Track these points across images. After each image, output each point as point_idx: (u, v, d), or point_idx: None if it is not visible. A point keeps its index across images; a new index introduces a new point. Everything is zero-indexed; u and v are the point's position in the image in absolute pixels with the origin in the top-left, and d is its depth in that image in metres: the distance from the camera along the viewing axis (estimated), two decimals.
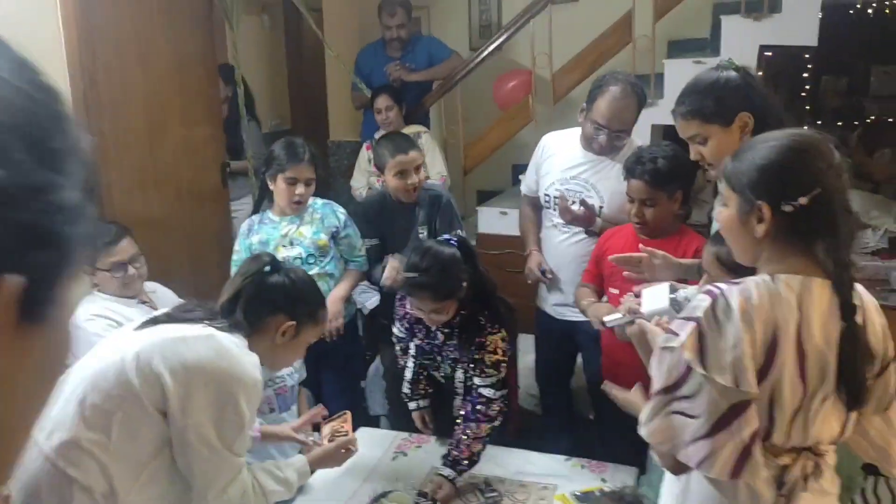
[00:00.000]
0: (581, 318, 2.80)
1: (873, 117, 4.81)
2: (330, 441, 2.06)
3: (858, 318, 1.34)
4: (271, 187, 2.82)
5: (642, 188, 2.39)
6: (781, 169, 1.34)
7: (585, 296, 2.62)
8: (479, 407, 2.31)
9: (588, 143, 2.77)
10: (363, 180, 3.99)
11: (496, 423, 2.32)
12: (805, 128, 1.44)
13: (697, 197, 4.16)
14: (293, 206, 2.80)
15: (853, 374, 1.33)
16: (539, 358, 3.15)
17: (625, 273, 2.18)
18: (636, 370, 2.07)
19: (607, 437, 2.86)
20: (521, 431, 2.90)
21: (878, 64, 5.09)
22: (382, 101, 3.99)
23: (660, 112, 3.92)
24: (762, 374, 1.30)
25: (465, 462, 2.27)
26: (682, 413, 1.34)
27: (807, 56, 4.72)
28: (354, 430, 2.27)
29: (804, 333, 1.30)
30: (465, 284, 2.25)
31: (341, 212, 2.93)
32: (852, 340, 1.31)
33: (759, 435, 1.32)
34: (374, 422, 3.30)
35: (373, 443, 2.57)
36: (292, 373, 2.36)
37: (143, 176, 3.27)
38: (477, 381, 2.34)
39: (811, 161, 1.33)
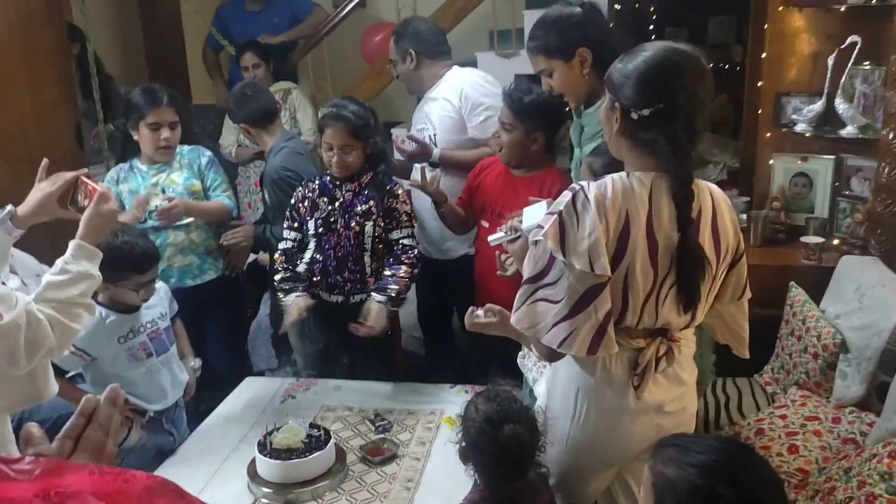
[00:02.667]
0: (441, 257, 2.94)
1: (711, 64, 5.19)
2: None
3: (707, 217, 1.49)
4: (135, 137, 2.75)
5: (505, 112, 2.54)
6: (638, 79, 1.45)
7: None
8: (400, 255, 2.55)
9: None
10: (232, 138, 3.92)
11: (414, 270, 2.56)
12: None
13: (560, 145, 4.39)
14: (161, 152, 2.75)
15: (686, 282, 1.48)
16: (419, 299, 3.26)
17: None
18: (508, 294, 2.21)
19: (485, 366, 3.02)
20: (406, 371, 3.00)
21: (714, 14, 5.51)
22: (249, 59, 3.93)
23: (521, 62, 4.10)
24: (616, 260, 1.44)
25: (394, 292, 2.47)
26: (545, 300, 1.47)
27: (651, 9, 5.03)
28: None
29: (654, 224, 1.45)
30: (373, 140, 2.51)
31: (206, 154, 2.92)
32: (686, 251, 1.46)
33: (613, 314, 1.47)
34: None
35: (260, 390, 2.59)
36: (162, 315, 2.35)
37: None
38: (395, 234, 2.57)
39: (666, 78, 1.43)
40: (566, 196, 1.47)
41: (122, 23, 4.67)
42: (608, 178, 1.47)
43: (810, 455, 2.11)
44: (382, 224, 2.53)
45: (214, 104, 4.61)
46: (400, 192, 2.59)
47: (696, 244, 1.46)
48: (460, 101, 2.91)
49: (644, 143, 1.47)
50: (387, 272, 2.52)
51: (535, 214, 1.91)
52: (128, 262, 2.18)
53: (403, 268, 2.52)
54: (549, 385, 1.67)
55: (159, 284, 2.42)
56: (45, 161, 1.84)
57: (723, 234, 1.54)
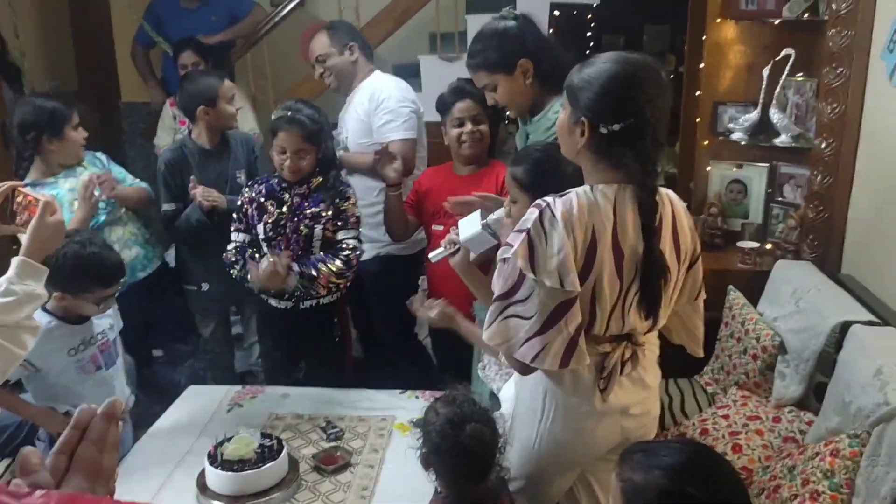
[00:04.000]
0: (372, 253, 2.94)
1: None
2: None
3: (668, 223, 1.53)
4: (52, 148, 2.75)
5: (471, 105, 2.56)
6: (604, 94, 1.45)
7: None
8: (339, 251, 2.50)
9: None
10: (168, 138, 3.79)
11: (348, 270, 2.50)
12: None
13: (502, 149, 4.43)
14: (82, 150, 2.84)
15: (650, 290, 1.51)
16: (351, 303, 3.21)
17: (447, 205, 2.31)
18: (460, 299, 2.23)
19: (432, 368, 3.06)
20: (356, 376, 2.96)
21: (650, 23, 5.67)
22: (188, 57, 3.81)
23: (463, 65, 4.09)
24: (584, 273, 1.46)
25: (311, 272, 2.43)
26: (517, 316, 1.48)
27: (590, 16, 5.13)
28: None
29: (619, 236, 1.47)
30: (325, 145, 2.47)
31: (99, 154, 2.98)
32: (649, 260, 1.49)
33: (583, 327, 1.49)
34: None
35: (205, 400, 2.52)
36: (111, 326, 2.26)
37: None
38: (341, 234, 2.53)
39: (632, 92, 1.44)
40: (533, 213, 1.47)
41: (49, 17, 4.47)
42: (573, 194, 1.47)
43: (753, 454, 2.18)
44: (330, 226, 2.50)
45: (148, 102, 4.46)
46: (350, 195, 2.57)
47: (658, 253, 1.50)
48: (369, 103, 2.95)
49: (611, 156, 1.48)
50: (318, 256, 2.49)
51: (470, 225, 1.94)
52: (96, 275, 2.08)
53: (337, 262, 2.48)
54: (518, 389, 1.69)
55: None
56: None
57: (682, 239, 1.57)
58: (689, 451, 1.26)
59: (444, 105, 2.65)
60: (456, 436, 1.55)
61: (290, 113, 2.43)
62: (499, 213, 1.93)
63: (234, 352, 3.21)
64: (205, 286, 2.96)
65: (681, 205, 1.62)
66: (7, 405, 2.11)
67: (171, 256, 3.22)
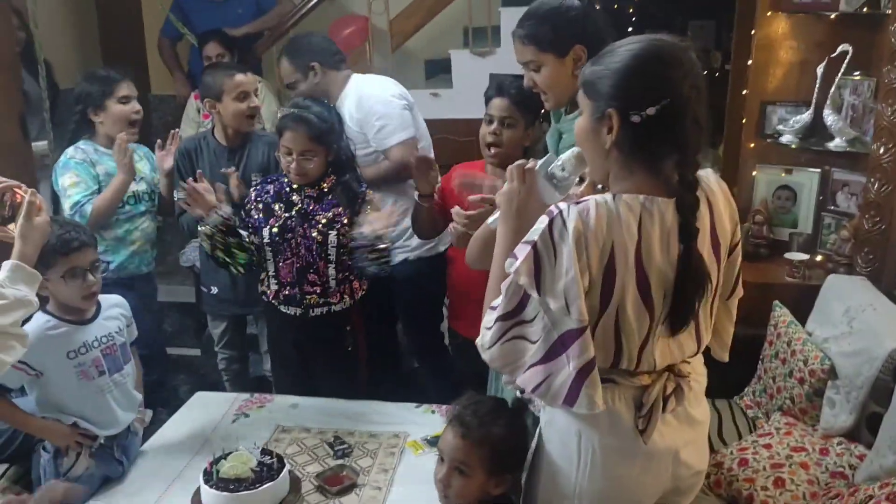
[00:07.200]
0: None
1: None
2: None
3: (705, 221, 1.32)
4: (97, 120, 2.72)
5: (505, 105, 2.36)
6: (633, 76, 1.26)
7: None
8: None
9: None
10: (191, 131, 3.69)
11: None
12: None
13: (536, 147, 4.26)
14: (133, 128, 2.75)
15: (681, 300, 1.30)
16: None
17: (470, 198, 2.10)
18: (481, 303, 2.06)
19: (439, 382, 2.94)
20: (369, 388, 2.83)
21: (694, 18, 5.45)
22: (213, 49, 3.74)
23: (497, 61, 3.94)
24: (604, 299, 1.27)
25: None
26: (523, 337, 1.31)
27: (630, 10, 4.93)
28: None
29: (644, 257, 1.26)
30: (336, 145, 2.35)
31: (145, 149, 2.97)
32: (687, 265, 1.28)
33: (605, 360, 1.30)
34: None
35: (210, 407, 2.42)
36: (120, 330, 2.12)
37: None
38: None
39: (665, 69, 1.25)
40: (542, 222, 1.27)
41: (76, 8, 4.43)
42: (592, 202, 1.26)
43: (797, 490, 1.98)
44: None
45: (174, 95, 4.40)
46: (371, 195, 2.42)
47: (699, 260, 1.29)
48: (358, 111, 2.77)
49: (642, 154, 1.29)
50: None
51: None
52: (51, 241, 1.84)
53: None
54: (545, 430, 1.46)
55: (118, 300, 2.18)
56: None
57: (721, 235, 1.36)
58: None
59: (486, 99, 2.49)
60: None
61: (296, 111, 2.28)
62: (564, 157, 1.64)
63: (248, 356, 3.09)
64: (214, 290, 2.85)
65: (721, 191, 1.38)
66: (7, 417, 2.00)
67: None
